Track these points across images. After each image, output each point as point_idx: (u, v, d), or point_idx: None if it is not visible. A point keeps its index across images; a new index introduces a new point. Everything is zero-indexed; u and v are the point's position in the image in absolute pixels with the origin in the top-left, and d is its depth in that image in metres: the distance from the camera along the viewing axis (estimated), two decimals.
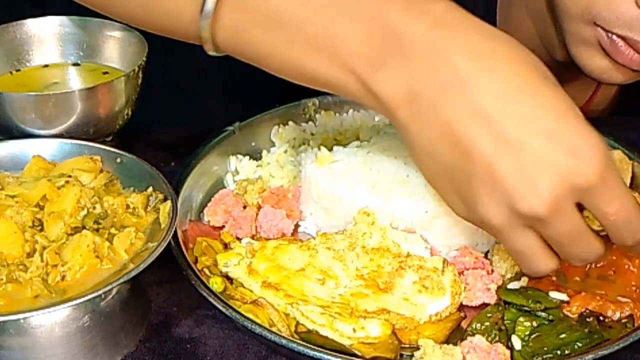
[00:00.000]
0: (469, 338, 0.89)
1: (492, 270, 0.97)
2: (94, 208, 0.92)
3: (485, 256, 0.99)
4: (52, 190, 0.91)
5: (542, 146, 0.77)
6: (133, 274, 0.84)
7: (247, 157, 1.13)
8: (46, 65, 1.16)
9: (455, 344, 0.88)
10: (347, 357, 0.86)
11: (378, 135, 1.10)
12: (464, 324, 0.93)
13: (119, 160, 0.99)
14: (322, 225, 1.04)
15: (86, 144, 1.01)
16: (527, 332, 0.90)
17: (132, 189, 0.97)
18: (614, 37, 1.06)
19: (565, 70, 1.16)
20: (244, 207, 1.06)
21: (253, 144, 1.16)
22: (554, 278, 0.95)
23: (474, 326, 0.91)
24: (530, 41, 1.26)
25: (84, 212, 0.91)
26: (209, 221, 1.05)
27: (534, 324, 0.91)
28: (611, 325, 0.91)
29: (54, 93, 1.03)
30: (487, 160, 0.78)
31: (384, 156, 1.03)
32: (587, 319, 0.91)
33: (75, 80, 1.15)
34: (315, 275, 0.94)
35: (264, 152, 1.15)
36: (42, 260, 0.86)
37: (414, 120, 0.81)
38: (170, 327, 0.94)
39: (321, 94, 1.17)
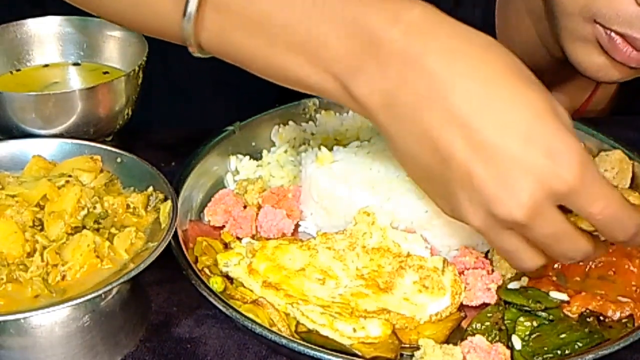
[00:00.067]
0: (469, 338, 0.89)
1: (492, 270, 0.97)
2: (94, 208, 0.92)
3: (486, 256, 0.99)
4: (53, 190, 0.91)
5: (520, 151, 0.77)
6: (133, 273, 0.84)
7: (248, 157, 1.13)
8: (46, 65, 1.16)
9: (455, 344, 0.88)
10: (347, 357, 0.86)
11: (378, 135, 1.10)
12: (464, 324, 0.93)
13: (119, 160, 0.99)
14: (322, 225, 1.04)
15: (86, 143, 1.01)
16: (528, 332, 0.90)
17: (132, 188, 0.97)
18: (613, 34, 1.06)
19: (564, 69, 1.16)
20: (244, 207, 1.06)
21: (253, 143, 1.16)
22: (554, 278, 0.95)
23: (474, 326, 0.91)
24: (529, 40, 1.26)
25: (84, 211, 0.91)
26: (209, 221, 1.05)
27: (534, 323, 0.91)
28: (611, 325, 0.91)
29: (54, 93, 1.03)
30: (465, 166, 0.78)
31: (384, 156, 1.03)
32: (588, 319, 0.91)
33: (75, 80, 1.15)
34: (316, 275, 0.94)
35: (264, 152, 1.15)
36: (42, 260, 0.86)
37: (393, 125, 0.82)
38: (171, 327, 0.94)
39: None
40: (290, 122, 1.17)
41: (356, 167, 1.04)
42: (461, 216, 0.82)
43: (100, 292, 0.82)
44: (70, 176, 0.94)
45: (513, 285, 0.95)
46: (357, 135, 1.15)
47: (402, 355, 0.90)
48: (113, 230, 0.91)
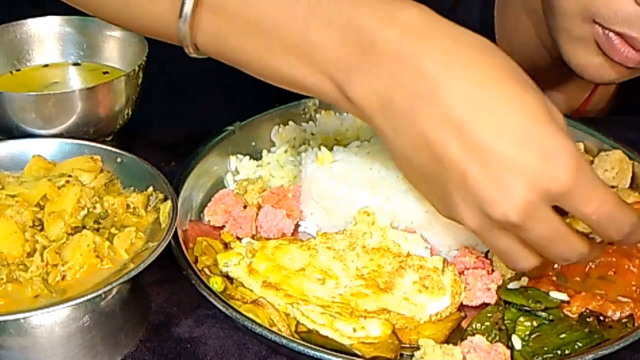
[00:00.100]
0: (469, 338, 0.89)
1: (492, 270, 0.97)
2: (94, 208, 0.92)
3: (486, 256, 0.99)
4: (53, 190, 0.91)
5: (514, 153, 0.77)
6: (133, 273, 0.84)
7: (248, 157, 1.13)
8: (46, 65, 1.16)
9: (455, 344, 0.88)
10: (347, 357, 0.86)
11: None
12: (464, 324, 0.93)
13: (119, 160, 0.99)
14: (322, 225, 1.04)
15: (86, 143, 1.01)
16: (528, 332, 0.90)
17: (132, 188, 0.97)
18: (611, 34, 1.06)
19: (563, 69, 1.16)
20: (244, 207, 1.06)
21: (253, 143, 1.16)
22: (554, 278, 0.95)
23: (474, 326, 0.91)
24: (528, 40, 1.26)
25: (84, 211, 0.91)
26: (209, 221, 1.05)
27: (534, 323, 0.91)
28: (611, 325, 0.91)
29: (54, 93, 1.03)
30: (460, 167, 0.79)
31: (384, 156, 1.03)
32: (587, 319, 0.91)
33: (75, 80, 1.15)
34: (316, 275, 0.94)
35: (264, 152, 1.15)
36: (42, 260, 0.86)
37: (388, 126, 0.82)
38: (171, 327, 0.94)
39: None
40: (290, 122, 1.17)
41: (356, 167, 1.04)
42: (456, 217, 0.83)
43: (100, 292, 0.82)
44: (70, 176, 0.94)
45: (513, 285, 0.95)
46: (357, 135, 1.15)
47: (402, 355, 0.90)
48: (113, 230, 0.91)
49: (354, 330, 0.89)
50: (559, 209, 0.81)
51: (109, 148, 1.00)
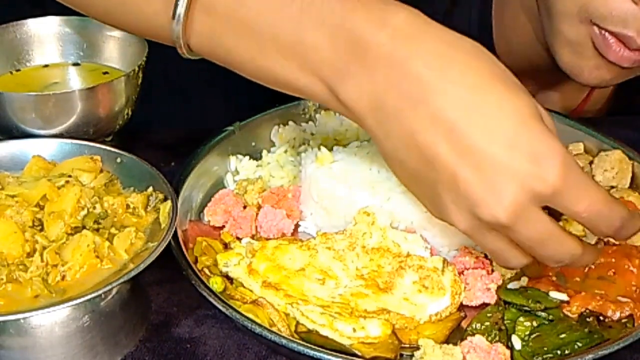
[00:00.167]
0: (469, 338, 0.89)
1: (492, 270, 0.97)
2: (94, 208, 0.92)
3: (485, 256, 0.99)
4: (52, 190, 0.91)
5: (504, 154, 0.78)
6: (133, 273, 0.84)
7: (247, 157, 1.13)
8: (46, 65, 1.16)
9: (455, 344, 0.88)
10: (347, 357, 0.86)
11: None
12: (464, 324, 0.93)
13: (119, 160, 0.99)
14: (322, 225, 1.04)
15: (86, 143, 1.01)
16: (527, 332, 0.90)
17: (132, 188, 0.97)
18: (607, 34, 1.06)
19: (561, 69, 1.16)
20: (244, 207, 1.06)
21: (253, 144, 1.16)
22: (554, 278, 0.95)
23: (474, 326, 0.91)
24: (527, 40, 1.26)
25: (84, 212, 0.91)
26: (209, 221, 1.05)
27: (534, 323, 0.91)
28: (611, 325, 0.91)
29: (54, 93, 1.03)
30: (450, 169, 0.79)
31: None
32: (587, 319, 0.91)
33: (75, 80, 1.15)
34: (315, 275, 0.94)
35: (264, 152, 1.15)
36: (42, 260, 0.86)
37: (380, 128, 0.83)
38: (170, 327, 0.94)
39: None
40: (290, 122, 1.17)
41: (356, 167, 1.04)
42: (447, 218, 0.83)
43: (100, 292, 0.82)
44: (70, 176, 0.94)
45: (513, 285, 0.95)
46: (357, 135, 1.15)
47: (402, 355, 0.90)
48: (113, 230, 0.91)
49: (354, 330, 0.89)
50: (553, 211, 0.81)
51: (109, 148, 1.00)
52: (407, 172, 0.84)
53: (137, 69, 1.07)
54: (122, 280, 0.83)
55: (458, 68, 0.80)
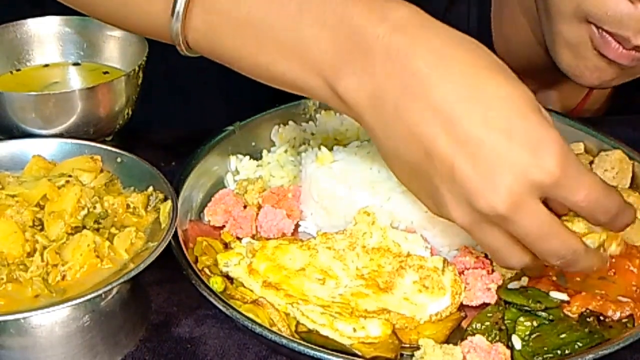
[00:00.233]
0: (469, 338, 0.89)
1: (492, 270, 0.97)
2: (94, 208, 0.92)
3: (486, 256, 0.99)
4: (53, 190, 0.91)
5: (501, 145, 0.78)
6: (133, 273, 0.84)
7: (248, 157, 1.13)
8: (46, 65, 1.16)
9: (455, 344, 0.88)
10: (347, 357, 0.86)
11: None
12: (464, 324, 0.93)
13: (119, 159, 0.99)
14: (322, 225, 1.04)
15: (86, 143, 1.01)
16: (528, 332, 0.90)
17: (132, 188, 0.97)
18: (605, 33, 1.06)
19: (560, 69, 1.17)
20: (244, 207, 1.06)
21: (253, 143, 1.16)
22: (554, 278, 0.95)
23: (474, 326, 0.91)
24: (526, 39, 1.26)
25: (84, 211, 0.91)
26: (209, 221, 1.05)
27: (534, 323, 0.91)
28: (611, 325, 0.91)
29: (54, 93, 1.03)
30: (448, 161, 0.79)
31: None
32: (588, 319, 0.91)
33: (75, 80, 1.15)
34: (316, 275, 0.94)
35: (264, 152, 1.15)
36: (42, 260, 0.86)
37: (379, 123, 0.83)
38: (171, 327, 0.94)
39: None
40: (290, 122, 1.17)
41: (356, 167, 1.04)
42: (446, 213, 0.83)
43: (100, 292, 0.82)
44: (70, 176, 0.94)
45: (513, 285, 0.95)
46: (357, 135, 1.15)
47: (402, 355, 0.90)
48: (113, 230, 0.91)
49: (354, 330, 0.89)
50: (553, 211, 0.81)
51: (109, 148, 1.00)
52: (405, 168, 0.84)
53: (137, 68, 1.07)
54: (122, 280, 0.83)
55: (457, 62, 0.80)
